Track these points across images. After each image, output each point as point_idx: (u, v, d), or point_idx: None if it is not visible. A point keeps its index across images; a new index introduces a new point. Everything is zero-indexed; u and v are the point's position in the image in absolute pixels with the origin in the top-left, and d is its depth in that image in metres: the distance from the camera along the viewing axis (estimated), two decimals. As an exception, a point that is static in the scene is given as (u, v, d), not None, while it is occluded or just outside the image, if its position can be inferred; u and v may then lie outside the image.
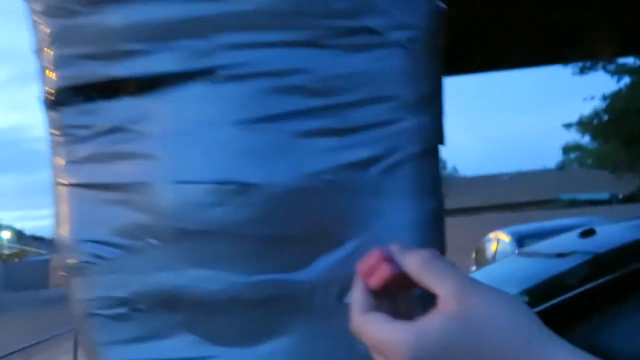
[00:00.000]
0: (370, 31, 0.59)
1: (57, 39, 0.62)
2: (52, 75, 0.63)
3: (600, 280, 1.70)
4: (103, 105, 0.60)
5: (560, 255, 2.10)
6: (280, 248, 0.56)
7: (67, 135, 0.63)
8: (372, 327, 0.42)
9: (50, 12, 0.62)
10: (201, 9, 0.57)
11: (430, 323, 0.40)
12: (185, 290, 0.57)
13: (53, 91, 0.63)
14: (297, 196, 0.56)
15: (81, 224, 0.61)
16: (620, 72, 16.79)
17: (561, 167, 22.60)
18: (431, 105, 0.62)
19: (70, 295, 0.63)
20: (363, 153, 0.58)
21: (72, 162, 0.62)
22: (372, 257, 0.45)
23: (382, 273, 0.43)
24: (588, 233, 2.37)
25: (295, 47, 0.57)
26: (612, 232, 2.56)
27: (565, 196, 19.02)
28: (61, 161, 0.64)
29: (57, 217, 0.65)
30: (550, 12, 2.93)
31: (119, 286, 0.59)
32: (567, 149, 21.52)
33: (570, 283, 1.81)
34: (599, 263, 1.88)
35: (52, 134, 0.65)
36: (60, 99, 0.63)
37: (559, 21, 3.12)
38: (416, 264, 0.43)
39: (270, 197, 0.55)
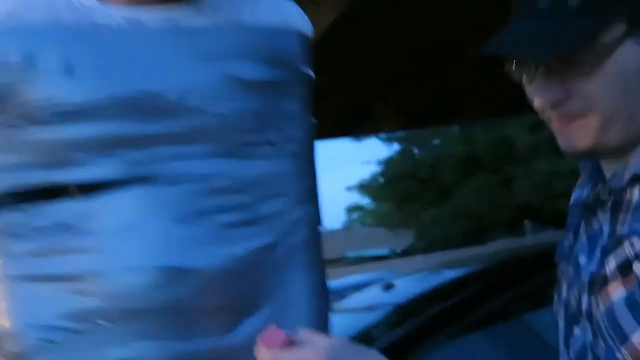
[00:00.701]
0: (269, 144, 0.76)
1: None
2: None
3: (405, 327, 1.98)
4: (44, 207, 0.69)
5: (368, 308, 2.39)
6: (213, 316, 0.69)
7: (8, 234, 0.70)
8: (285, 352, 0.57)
9: (-10, 125, 0.70)
10: (138, 128, 0.70)
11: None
12: (133, 360, 0.67)
13: (-12, 194, 0.71)
14: (226, 275, 0.70)
15: (27, 313, 0.68)
16: (390, 139, 18.78)
17: (346, 226, 24.22)
18: (313, 196, 0.81)
19: None
20: (271, 238, 0.75)
21: (16, 257, 0.70)
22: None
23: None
24: (389, 286, 2.71)
25: (216, 157, 0.73)
26: (407, 284, 2.95)
27: (351, 254, 20.32)
28: (2, 258, 0.70)
29: (0, 310, 0.71)
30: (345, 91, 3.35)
31: None
32: (350, 210, 23.25)
33: (378, 333, 2.08)
34: (402, 313, 2.18)
35: None
36: (1, 202, 0.70)
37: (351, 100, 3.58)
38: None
39: (206, 277, 0.69)
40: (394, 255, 17.99)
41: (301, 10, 0.84)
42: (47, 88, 0.68)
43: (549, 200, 15.16)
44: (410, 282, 3.02)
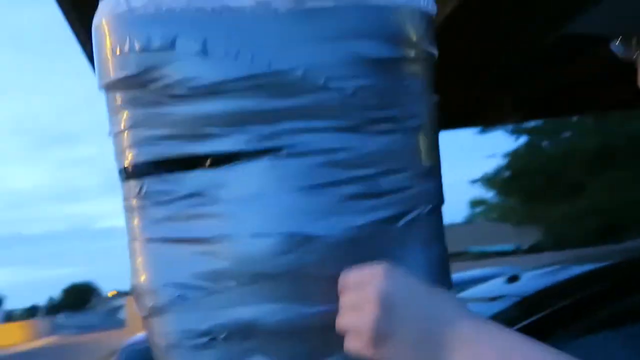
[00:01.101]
0: (392, 119, 0.78)
1: (141, 123, 0.77)
2: (132, 152, 0.78)
3: (530, 320, 1.92)
4: (182, 176, 0.76)
5: (492, 299, 2.34)
6: (331, 284, 0.72)
7: (148, 200, 0.77)
8: (352, 270, 0.64)
9: (134, 101, 0.77)
10: (268, 104, 0.74)
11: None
12: (259, 321, 0.72)
13: (132, 165, 0.78)
14: (347, 244, 0.73)
15: (163, 272, 0.75)
16: (517, 131, 18.06)
17: (468, 221, 23.66)
18: (435, 173, 0.82)
19: (151, 331, 0.76)
20: (390, 211, 0.76)
21: (153, 221, 0.77)
22: None
23: None
24: (513, 279, 2.64)
25: (339, 131, 0.75)
26: (534, 278, 2.85)
27: (473, 248, 19.85)
28: (140, 222, 0.78)
29: (135, 269, 0.78)
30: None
31: (200, 321, 0.73)
32: (473, 204, 22.68)
33: (503, 323, 2.04)
34: (527, 305, 2.11)
35: (128, 200, 0.80)
36: (143, 171, 0.77)
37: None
38: None
39: (327, 245, 0.72)
40: (519, 251, 17.34)
41: (424, -11, 0.85)
42: (186, 68, 0.74)
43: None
44: (536, 276, 2.92)
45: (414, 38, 0.81)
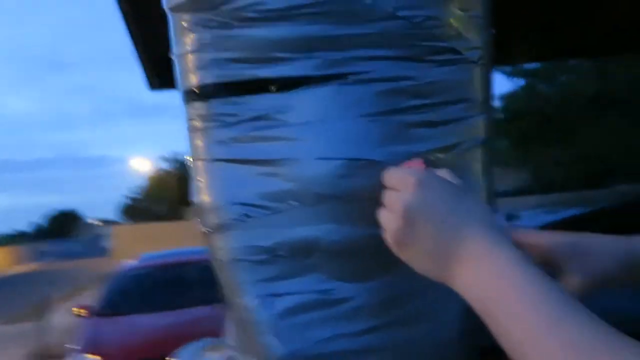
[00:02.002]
0: (454, 51, 0.79)
1: (209, 45, 0.78)
2: (198, 74, 0.80)
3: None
4: (249, 99, 0.78)
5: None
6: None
7: (214, 122, 0.79)
8: (393, 170, 0.68)
9: (203, 23, 0.78)
10: (337, 30, 0.75)
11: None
12: (318, 240, 0.76)
13: (198, 87, 0.80)
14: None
15: (229, 191, 0.78)
16: (515, 74, 17.93)
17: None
18: (488, 107, 0.84)
19: (214, 247, 0.80)
20: (446, 141, 0.79)
21: (219, 142, 0.79)
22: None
23: None
24: (511, 217, 2.71)
25: (404, 60, 0.77)
26: (529, 217, 2.92)
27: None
28: (205, 142, 0.80)
29: (199, 188, 0.81)
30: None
31: (263, 238, 0.76)
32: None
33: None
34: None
35: (194, 121, 0.82)
36: (210, 93, 0.79)
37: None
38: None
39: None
40: (507, 194, 17.55)
41: None
42: None
43: (687, 148, 14.05)
44: (533, 216, 2.99)
45: (478, -28, 0.81)
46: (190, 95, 0.81)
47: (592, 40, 4.88)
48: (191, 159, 0.83)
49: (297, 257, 0.76)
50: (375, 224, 0.76)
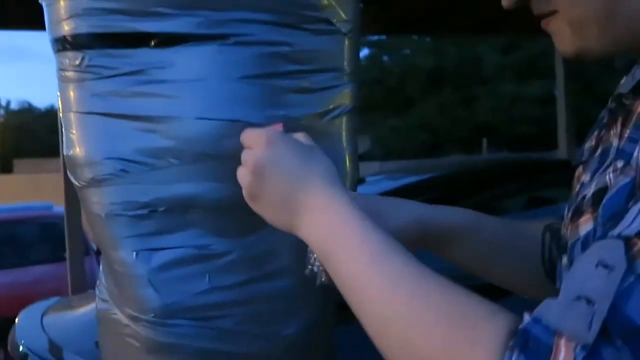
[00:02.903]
0: (327, 22, 0.84)
1: (86, -7, 0.76)
2: (72, 23, 0.77)
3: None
4: (127, 52, 0.77)
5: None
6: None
7: (89, 73, 0.77)
8: (249, 130, 0.70)
9: (79, -30, 0.75)
10: (220, -10, 0.77)
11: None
12: (198, 197, 0.78)
13: (72, 36, 0.77)
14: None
15: (106, 145, 0.77)
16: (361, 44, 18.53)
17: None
18: (355, 77, 0.91)
19: (88, 201, 0.79)
20: (321, 107, 0.84)
21: (95, 95, 0.77)
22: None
23: None
24: (360, 182, 2.86)
25: (282, 26, 0.80)
26: (376, 182, 3.11)
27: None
28: (79, 94, 0.78)
29: (70, 140, 0.79)
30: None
31: (141, 193, 0.77)
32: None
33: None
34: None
35: (66, 71, 0.79)
36: (85, 43, 0.77)
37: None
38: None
39: None
40: (349, 159, 18.26)
41: None
42: None
43: (508, 124, 15.51)
44: (376, 181, 3.18)
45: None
46: (62, 44, 0.78)
47: (432, 17, 5.20)
48: (61, 111, 0.80)
49: (175, 213, 0.78)
50: None
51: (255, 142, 0.68)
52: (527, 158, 4.86)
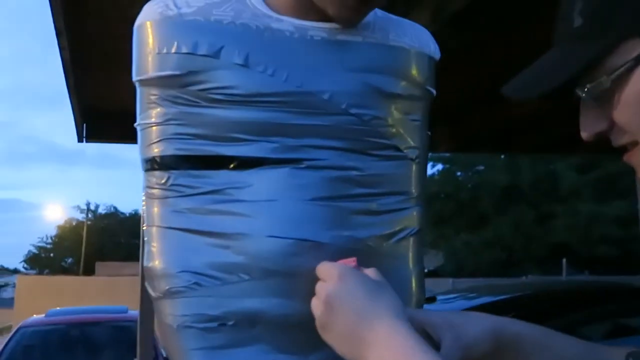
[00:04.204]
0: (395, 148, 0.89)
1: (174, 120, 0.84)
2: (161, 145, 0.85)
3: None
4: (208, 173, 0.83)
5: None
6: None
7: (172, 191, 0.84)
8: (324, 263, 0.77)
9: (171, 99, 0.84)
10: (295, 119, 0.83)
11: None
12: (265, 312, 0.80)
13: (160, 157, 0.85)
14: (348, 253, 0.82)
15: (182, 259, 0.82)
16: (433, 159, 18.74)
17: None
18: (422, 200, 0.93)
19: (162, 312, 0.83)
20: (387, 229, 0.87)
21: (176, 211, 0.83)
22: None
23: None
24: (430, 300, 2.81)
25: (351, 152, 0.85)
26: (449, 301, 3.03)
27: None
28: (162, 210, 0.84)
29: (150, 253, 0.85)
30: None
31: (212, 307, 0.80)
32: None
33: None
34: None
35: (152, 189, 0.86)
36: (171, 164, 0.84)
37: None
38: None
39: (332, 252, 0.81)
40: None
41: (433, 38, 0.96)
42: (226, 77, 0.82)
43: (587, 244, 14.93)
44: (450, 300, 3.10)
45: (422, 79, 0.92)
46: (151, 164, 0.85)
47: (504, 136, 5.25)
48: (145, 225, 0.86)
49: (243, 327, 0.81)
50: None
51: (329, 276, 0.74)
52: (613, 282, 4.66)
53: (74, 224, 44.64)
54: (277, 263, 0.80)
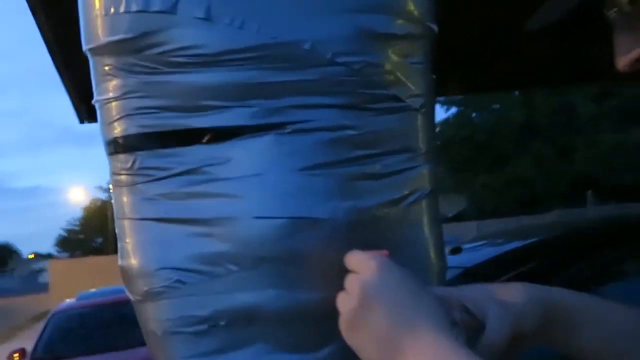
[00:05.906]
0: (395, 98, 0.75)
1: (133, 92, 0.71)
2: (123, 124, 0.73)
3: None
4: (179, 151, 0.71)
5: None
6: (338, 270, 0.70)
7: (141, 176, 0.72)
8: (355, 253, 0.66)
9: (127, 69, 0.71)
10: (273, 76, 0.70)
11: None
12: (261, 307, 0.69)
13: (123, 137, 0.73)
14: (352, 227, 0.71)
15: (158, 255, 0.71)
16: (448, 103, 18.44)
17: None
18: (432, 156, 0.81)
19: (145, 317, 0.72)
20: (395, 193, 0.74)
21: (147, 199, 0.72)
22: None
23: None
24: (456, 250, 2.70)
25: (343, 109, 0.72)
26: (474, 249, 2.93)
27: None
28: (132, 199, 0.73)
29: (124, 250, 0.74)
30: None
31: (199, 307, 0.69)
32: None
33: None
34: (471, 275, 2.18)
35: (118, 175, 0.74)
36: (135, 144, 0.72)
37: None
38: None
39: (333, 229, 0.70)
40: (444, 220, 17.86)
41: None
42: (186, 35, 0.69)
43: (610, 174, 14.69)
44: (476, 248, 2.99)
45: (419, 13, 0.78)
46: (114, 147, 0.74)
47: (518, 74, 5.05)
48: (116, 218, 0.75)
49: (238, 326, 0.70)
50: (323, 287, 0.70)
51: (365, 267, 0.63)
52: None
53: (98, 204, 45.09)
54: (270, 248, 0.69)
